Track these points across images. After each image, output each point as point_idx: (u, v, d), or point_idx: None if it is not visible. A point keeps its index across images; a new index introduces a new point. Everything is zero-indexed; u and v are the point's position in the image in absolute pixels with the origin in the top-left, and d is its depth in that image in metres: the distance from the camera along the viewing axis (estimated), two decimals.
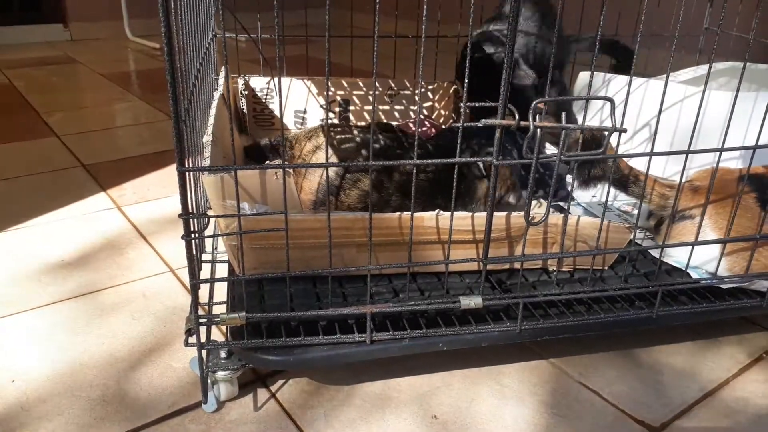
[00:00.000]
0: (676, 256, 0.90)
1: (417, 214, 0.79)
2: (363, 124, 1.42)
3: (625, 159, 0.94)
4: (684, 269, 0.86)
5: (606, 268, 0.90)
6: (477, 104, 0.64)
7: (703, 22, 1.43)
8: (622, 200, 1.12)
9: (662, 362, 0.88)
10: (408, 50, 1.40)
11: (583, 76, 1.32)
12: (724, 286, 0.85)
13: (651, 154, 0.75)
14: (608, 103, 0.66)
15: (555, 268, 0.88)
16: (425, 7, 0.63)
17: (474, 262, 0.81)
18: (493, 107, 0.65)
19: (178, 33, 0.65)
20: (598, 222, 0.82)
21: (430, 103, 1.43)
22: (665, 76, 0.73)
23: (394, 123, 1.40)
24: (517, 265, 0.87)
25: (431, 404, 0.79)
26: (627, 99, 0.73)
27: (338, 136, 1.00)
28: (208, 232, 0.90)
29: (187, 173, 0.63)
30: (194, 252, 0.68)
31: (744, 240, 0.85)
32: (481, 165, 0.97)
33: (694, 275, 0.87)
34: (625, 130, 0.68)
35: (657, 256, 0.91)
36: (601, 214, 0.84)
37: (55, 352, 0.87)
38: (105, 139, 1.78)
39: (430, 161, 0.71)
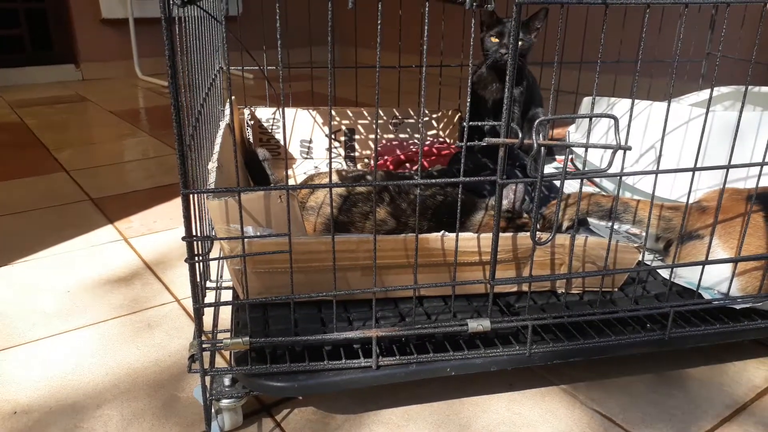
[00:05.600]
0: (687, 277, 0.88)
1: (422, 236, 0.78)
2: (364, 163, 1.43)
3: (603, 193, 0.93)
4: (695, 290, 0.85)
5: (616, 289, 0.88)
6: (480, 123, 0.65)
7: (705, 48, 1.44)
8: None
9: (676, 387, 0.85)
10: (412, 84, 1.42)
11: (587, 102, 1.32)
12: (738, 307, 0.84)
13: (657, 172, 0.75)
14: (611, 130, 0.66)
15: (564, 290, 0.87)
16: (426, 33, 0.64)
17: (481, 283, 0.79)
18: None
19: (183, 59, 0.66)
20: (606, 242, 0.81)
21: (434, 131, 1.44)
22: (669, 98, 0.73)
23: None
24: (525, 287, 0.86)
25: None
26: (630, 119, 0.73)
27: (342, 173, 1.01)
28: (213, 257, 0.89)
29: (190, 195, 0.63)
30: (198, 276, 0.68)
31: (755, 259, 0.83)
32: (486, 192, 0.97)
33: (706, 296, 0.85)
34: (629, 148, 0.68)
35: (667, 276, 0.90)
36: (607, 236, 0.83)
37: (58, 383, 0.85)
38: (113, 174, 1.80)
39: (433, 181, 0.70)
